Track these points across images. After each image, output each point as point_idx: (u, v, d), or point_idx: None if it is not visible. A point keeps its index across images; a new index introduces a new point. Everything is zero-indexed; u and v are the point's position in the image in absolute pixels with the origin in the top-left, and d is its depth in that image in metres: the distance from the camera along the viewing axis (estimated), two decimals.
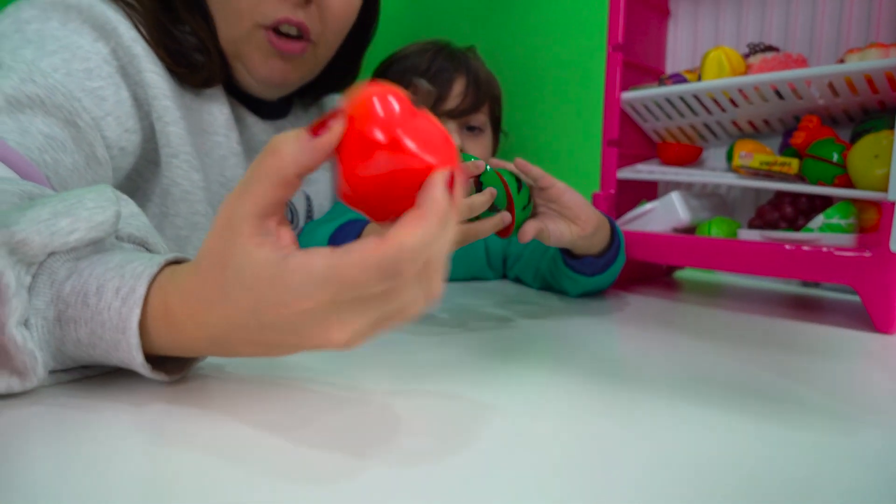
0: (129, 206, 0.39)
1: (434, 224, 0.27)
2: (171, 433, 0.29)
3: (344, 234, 0.60)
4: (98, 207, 0.33)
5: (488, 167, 0.52)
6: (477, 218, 0.52)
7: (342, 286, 0.26)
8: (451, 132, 0.76)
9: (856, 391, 0.39)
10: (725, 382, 0.39)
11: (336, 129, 0.28)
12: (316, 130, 0.28)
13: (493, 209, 0.52)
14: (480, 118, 0.79)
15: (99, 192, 0.34)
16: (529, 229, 0.53)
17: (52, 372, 0.33)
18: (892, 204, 0.54)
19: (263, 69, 0.65)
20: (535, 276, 0.73)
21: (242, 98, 0.71)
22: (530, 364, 0.42)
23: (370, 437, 0.29)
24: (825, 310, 0.66)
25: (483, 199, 0.50)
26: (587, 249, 0.61)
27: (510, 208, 0.53)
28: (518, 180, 0.54)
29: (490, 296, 0.69)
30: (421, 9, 1.13)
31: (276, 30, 0.62)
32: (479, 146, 0.79)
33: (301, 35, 0.64)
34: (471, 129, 0.78)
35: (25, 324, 0.31)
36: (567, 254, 0.63)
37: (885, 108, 0.64)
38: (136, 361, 0.31)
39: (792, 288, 0.81)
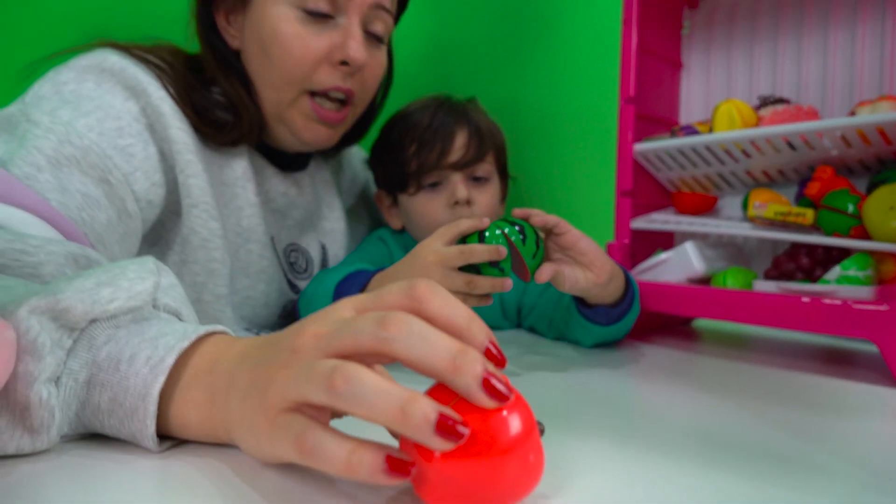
0: (168, 277, 0.41)
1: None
2: (192, 483, 0.29)
3: (349, 284, 0.61)
4: (138, 278, 0.36)
5: (497, 231, 0.53)
6: (478, 271, 0.53)
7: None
8: (458, 184, 0.77)
9: (878, 455, 0.38)
10: (741, 443, 0.38)
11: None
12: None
13: (495, 266, 0.53)
14: (485, 168, 0.80)
15: (141, 263, 0.37)
16: (546, 270, 0.54)
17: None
18: None
19: (308, 133, 0.69)
20: (549, 326, 0.73)
21: (265, 150, 0.74)
22: (542, 416, 0.42)
23: (381, 491, 0.29)
24: (847, 362, 0.65)
25: (483, 249, 0.52)
26: (601, 298, 0.61)
27: (518, 259, 0.54)
28: (523, 230, 0.54)
29: (504, 346, 0.69)
30: (438, 63, 1.16)
31: (324, 95, 0.67)
32: (486, 195, 0.80)
33: (346, 100, 0.69)
34: (476, 179, 0.80)
35: (56, 381, 0.33)
36: (581, 303, 0.63)
37: None
38: (147, 431, 0.32)
39: (813, 338, 0.80)
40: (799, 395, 0.51)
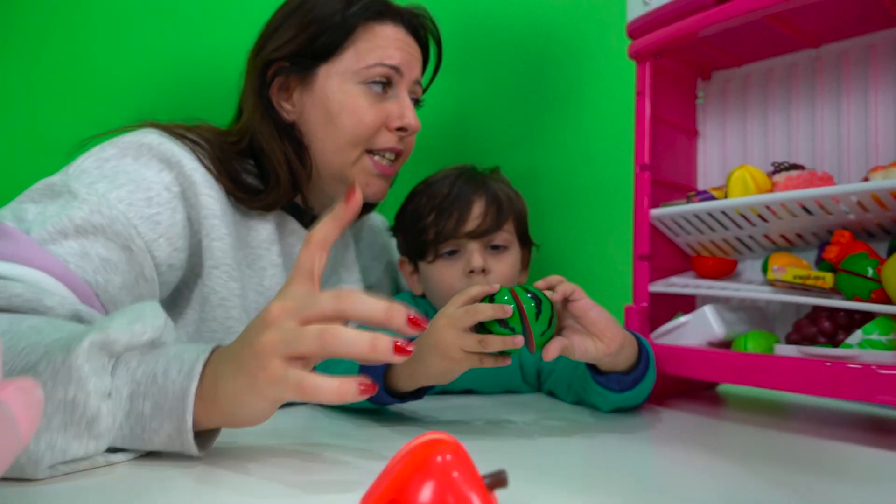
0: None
1: (371, 304, 0.43)
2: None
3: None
4: (155, 317, 0.45)
5: (506, 294, 0.55)
6: (488, 331, 0.54)
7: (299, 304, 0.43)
8: (474, 252, 0.79)
9: None
10: None
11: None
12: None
13: (505, 326, 0.54)
14: (504, 236, 0.81)
15: (152, 306, 0.47)
16: (554, 346, 0.55)
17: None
18: None
19: (369, 188, 0.78)
20: (567, 390, 0.72)
21: (294, 211, 0.79)
22: (558, 483, 0.42)
23: None
24: (879, 429, 0.63)
25: (489, 307, 0.53)
26: (613, 366, 0.61)
27: (526, 327, 0.54)
28: (539, 304, 0.55)
29: (523, 411, 0.69)
30: (462, 134, 1.21)
31: (381, 154, 0.77)
32: (504, 264, 0.81)
33: (396, 158, 0.79)
34: (494, 247, 0.81)
35: (109, 395, 0.41)
36: (594, 370, 0.63)
37: None
38: (187, 425, 0.42)
39: (844, 404, 0.77)
40: (829, 464, 0.49)
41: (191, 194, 0.66)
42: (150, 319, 0.45)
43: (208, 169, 0.68)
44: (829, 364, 0.58)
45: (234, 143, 0.75)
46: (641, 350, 0.63)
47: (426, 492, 0.27)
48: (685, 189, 0.83)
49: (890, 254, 0.64)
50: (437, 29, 0.84)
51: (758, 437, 0.58)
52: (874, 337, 0.58)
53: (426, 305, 0.86)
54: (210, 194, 0.67)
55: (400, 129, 0.77)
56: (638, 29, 0.76)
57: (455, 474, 0.27)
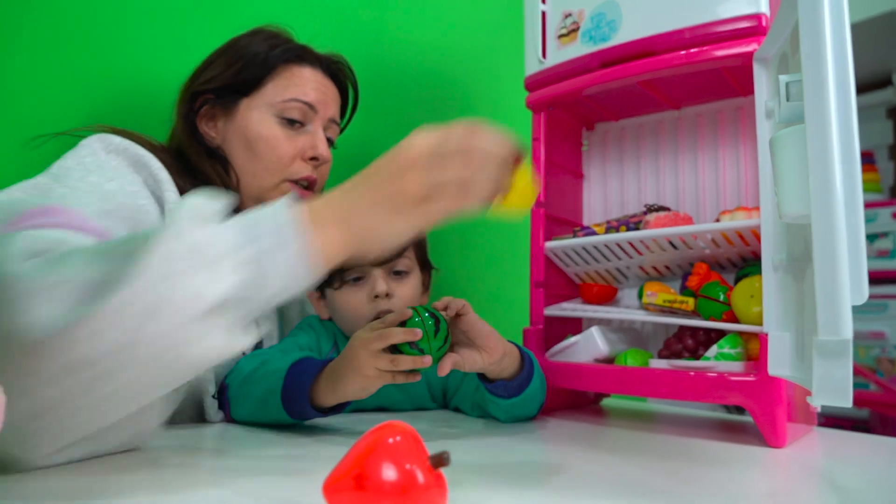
0: None
1: (491, 140, 0.51)
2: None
3: (301, 368, 0.67)
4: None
5: (416, 317, 0.63)
6: (400, 352, 0.62)
7: (439, 138, 0.49)
8: (378, 278, 0.83)
9: (746, 494, 0.46)
10: (638, 485, 0.46)
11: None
12: None
13: (415, 347, 0.62)
14: (405, 262, 0.87)
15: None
16: (447, 362, 0.64)
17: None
18: (766, 336, 0.64)
19: None
20: (472, 406, 0.79)
21: None
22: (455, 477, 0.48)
23: None
24: (727, 428, 0.74)
25: (400, 331, 0.62)
26: (499, 373, 0.70)
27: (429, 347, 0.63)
28: (437, 324, 0.64)
29: (421, 421, 0.75)
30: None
31: (296, 182, 0.83)
32: (406, 287, 0.87)
33: (309, 186, 0.84)
34: (397, 273, 0.86)
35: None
36: (484, 378, 0.71)
37: (758, 258, 0.78)
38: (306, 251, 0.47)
39: (716, 413, 0.90)
40: (691, 454, 0.59)
41: (158, 191, 0.69)
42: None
43: (170, 169, 0.72)
44: (692, 374, 0.69)
45: (172, 157, 0.79)
46: (525, 359, 0.72)
47: (380, 467, 0.32)
48: (573, 225, 0.94)
49: (736, 282, 0.77)
50: (353, 74, 0.93)
51: (634, 438, 0.68)
52: (726, 350, 0.70)
53: (333, 328, 0.90)
54: (173, 190, 0.71)
55: (313, 158, 0.83)
56: (534, 83, 0.87)
57: (404, 452, 0.33)
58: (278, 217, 0.47)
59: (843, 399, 0.40)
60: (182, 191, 0.74)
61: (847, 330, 0.39)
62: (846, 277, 0.39)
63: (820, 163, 0.41)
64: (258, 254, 0.45)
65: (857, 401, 1.71)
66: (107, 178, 0.65)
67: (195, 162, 0.80)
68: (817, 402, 0.41)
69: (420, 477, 0.32)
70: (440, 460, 0.34)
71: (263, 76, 0.81)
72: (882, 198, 2.14)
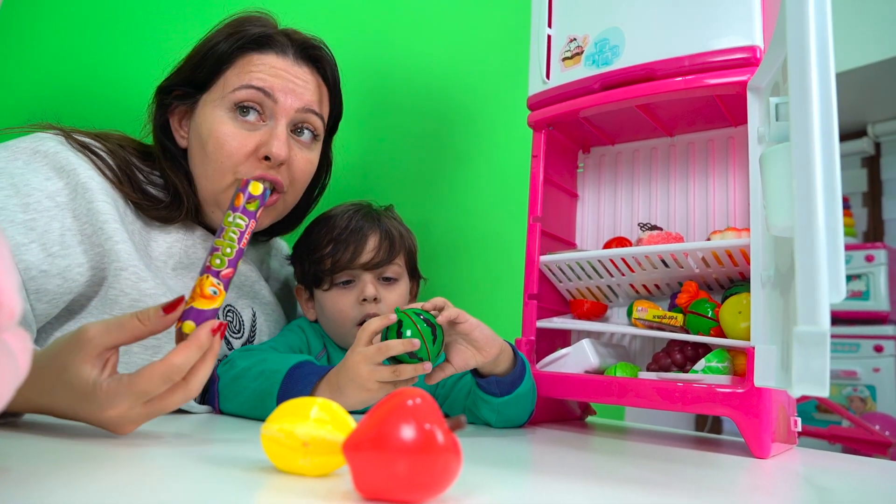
0: None
1: (194, 351, 0.47)
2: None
3: (302, 373, 0.68)
4: None
5: (412, 325, 0.64)
6: (400, 361, 0.63)
7: (139, 394, 0.46)
8: (367, 283, 0.84)
9: (733, 493, 0.48)
10: (629, 480, 0.47)
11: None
12: (167, 310, 0.48)
13: (414, 357, 0.63)
14: (395, 269, 0.88)
15: None
16: (437, 375, 0.67)
17: None
18: (753, 349, 0.67)
19: None
20: (462, 411, 0.80)
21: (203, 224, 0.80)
22: None
23: None
24: (701, 442, 0.76)
25: (399, 344, 0.62)
26: (492, 369, 0.72)
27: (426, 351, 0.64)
28: (434, 330, 0.65)
29: None
30: (366, 174, 1.29)
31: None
32: (394, 294, 0.88)
33: (274, 189, 0.77)
34: (386, 279, 0.87)
35: None
36: (476, 375, 0.73)
37: (744, 279, 0.81)
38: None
39: (677, 428, 0.92)
40: (670, 459, 0.61)
41: (82, 202, 0.66)
42: None
43: (106, 177, 0.69)
44: (680, 384, 0.71)
45: (146, 154, 0.78)
46: (518, 359, 0.74)
47: (399, 427, 0.33)
48: (567, 243, 0.97)
49: (724, 300, 0.80)
50: (330, 55, 0.83)
51: (618, 445, 0.69)
52: (713, 364, 0.72)
53: (320, 331, 0.90)
54: (106, 200, 0.68)
55: (266, 158, 0.74)
56: (537, 103, 0.90)
57: (423, 414, 0.34)
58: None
59: (819, 389, 0.41)
60: (136, 193, 0.72)
61: (825, 321, 0.41)
62: (825, 270, 0.41)
63: (803, 169, 0.44)
64: None
65: (831, 437, 1.74)
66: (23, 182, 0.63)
67: (160, 164, 0.77)
68: (797, 392, 0.43)
69: (440, 437, 0.33)
70: (457, 423, 0.35)
71: (219, 68, 0.76)
72: (856, 241, 2.22)
